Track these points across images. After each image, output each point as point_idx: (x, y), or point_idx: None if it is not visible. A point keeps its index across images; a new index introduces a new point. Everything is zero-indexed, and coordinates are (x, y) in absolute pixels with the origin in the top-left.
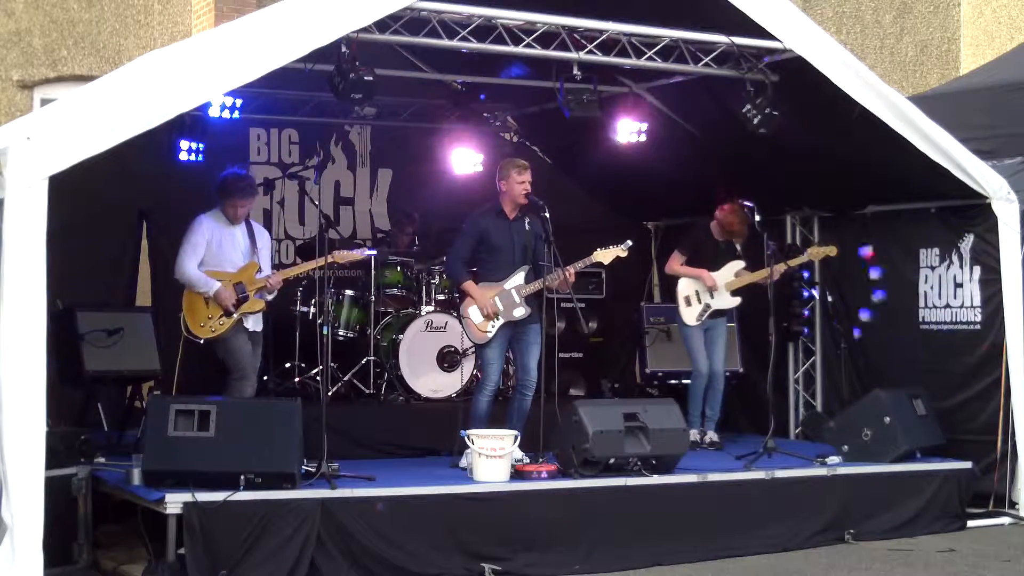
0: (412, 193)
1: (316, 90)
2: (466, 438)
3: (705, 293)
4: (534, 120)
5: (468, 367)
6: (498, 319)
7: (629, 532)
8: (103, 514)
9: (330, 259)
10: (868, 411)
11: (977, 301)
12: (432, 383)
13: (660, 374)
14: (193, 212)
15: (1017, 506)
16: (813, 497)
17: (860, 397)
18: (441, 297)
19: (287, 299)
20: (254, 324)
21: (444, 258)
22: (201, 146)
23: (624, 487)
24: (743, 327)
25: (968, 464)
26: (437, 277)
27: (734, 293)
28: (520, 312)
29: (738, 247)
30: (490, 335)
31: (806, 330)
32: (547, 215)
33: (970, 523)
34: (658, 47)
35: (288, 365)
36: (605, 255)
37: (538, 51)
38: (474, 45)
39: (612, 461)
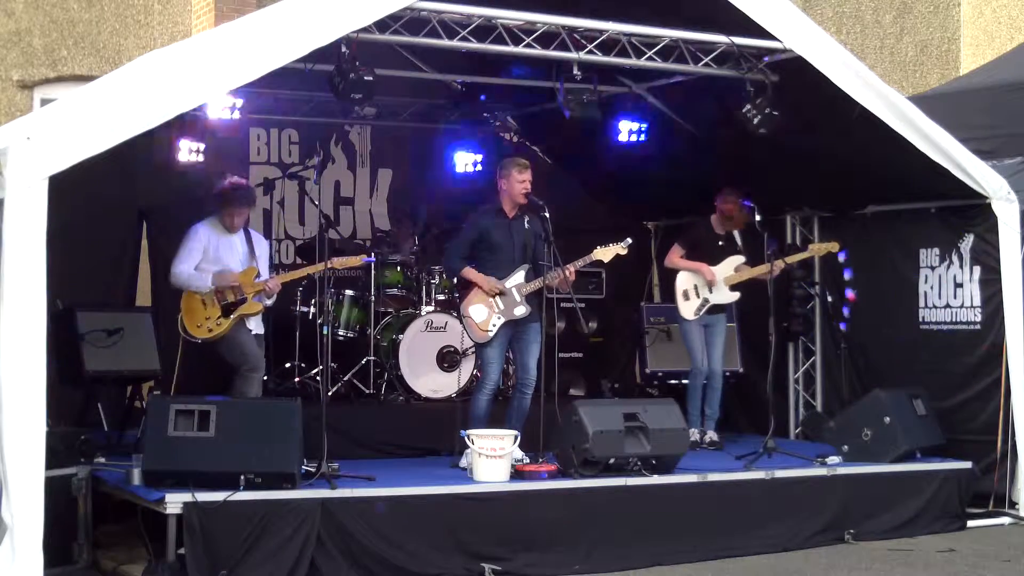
0: (412, 193)
1: (316, 90)
2: (466, 438)
3: (704, 287)
4: (534, 120)
5: (468, 367)
6: (499, 318)
7: (629, 532)
8: (103, 514)
9: (328, 265)
10: (868, 411)
11: (977, 301)
12: (432, 383)
13: (660, 374)
14: (193, 212)
15: (1017, 506)
16: (813, 497)
17: (860, 397)
18: (441, 297)
19: (287, 299)
20: (256, 326)
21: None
22: (201, 146)
23: (624, 487)
24: (743, 327)
25: (968, 464)
26: (437, 277)
27: (733, 288)
28: (521, 311)
29: (739, 242)
30: (491, 334)
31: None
32: (547, 215)
33: (970, 523)
34: (658, 47)
35: (288, 365)
36: (605, 253)
37: (538, 51)
38: (474, 45)
39: (612, 461)
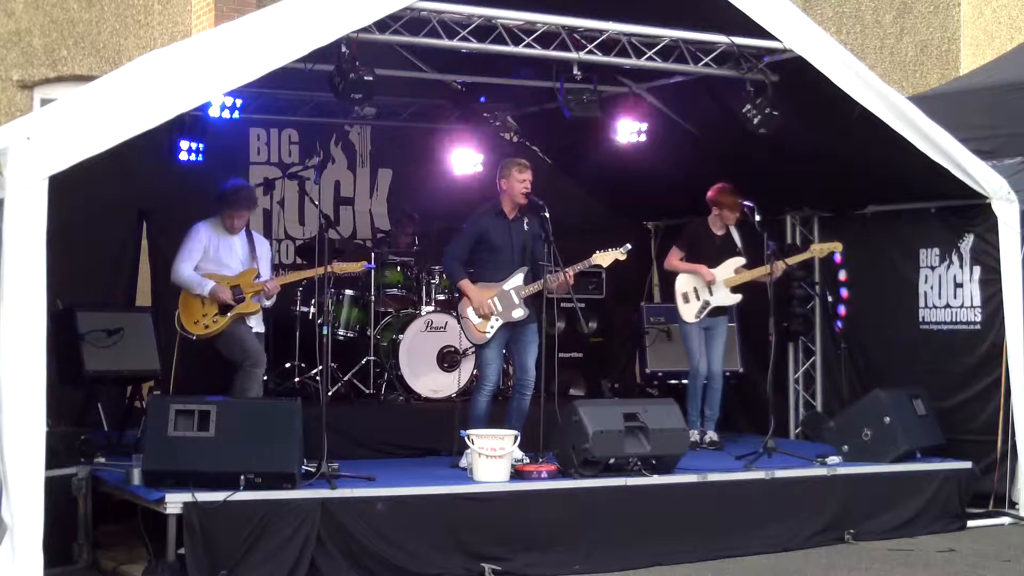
0: (412, 193)
1: (316, 90)
2: (466, 438)
3: (704, 289)
4: (534, 120)
5: (468, 367)
6: (496, 320)
7: (629, 532)
8: (103, 514)
9: (328, 269)
10: (868, 411)
11: (977, 301)
12: (432, 383)
13: (660, 374)
14: (193, 212)
15: (1017, 506)
16: (813, 497)
17: (860, 397)
18: (441, 297)
19: (287, 299)
20: (257, 324)
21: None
22: (201, 146)
23: (624, 487)
24: (743, 327)
25: (968, 464)
26: (437, 277)
27: (734, 290)
28: (519, 313)
29: (738, 243)
30: (488, 335)
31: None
32: (547, 215)
33: (970, 523)
34: (658, 47)
35: (288, 365)
36: (604, 258)
37: (538, 51)
38: (474, 45)
39: (612, 461)
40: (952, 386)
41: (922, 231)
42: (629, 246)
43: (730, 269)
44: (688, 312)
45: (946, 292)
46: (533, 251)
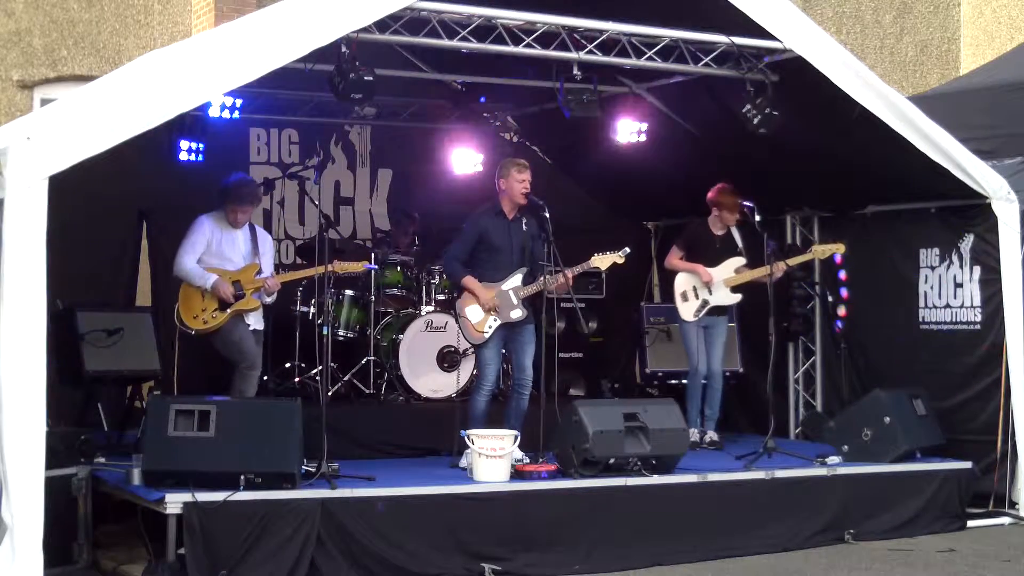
0: (412, 193)
1: (316, 90)
2: (466, 438)
3: (703, 289)
4: (534, 120)
5: (468, 367)
6: (495, 320)
7: (629, 532)
8: (103, 514)
9: (329, 268)
10: (868, 411)
11: (977, 301)
12: (432, 383)
13: (660, 374)
14: (193, 212)
15: (1017, 506)
16: (813, 497)
17: (860, 397)
18: (441, 297)
19: (287, 299)
20: (255, 322)
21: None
22: (201, 146)
23: (624, 487)
24: (743, 327)
25: (968, 464)
26: (437, 277)
27: (734, 290)
28: (517, 314)
29: (739, 243)
30: (487, 335)
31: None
32: (547, 215)
33: (970, 523)
34: (658, 47)
35: (288, 365)
36: (602, 261)
37: (538, 51)
38: (474, 45)
39: (612, 461)
40: (952, 386)
41: (922, 231)
42: (627, 250)
43: (730, 269)
44: (686, 311)
45: (946, 292)
46: (532, 251)
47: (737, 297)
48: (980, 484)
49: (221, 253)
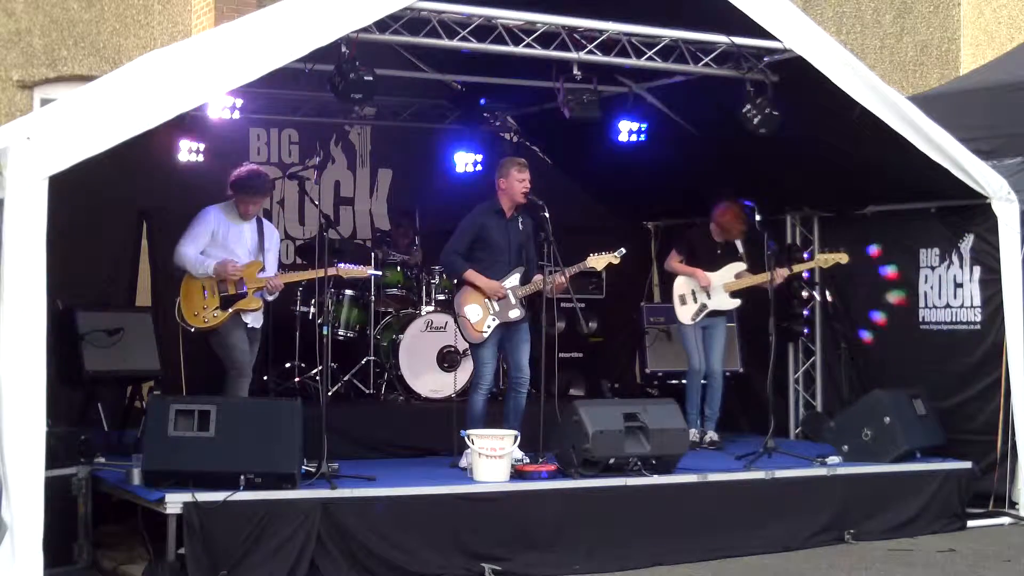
0: (412, 193)
1: (316, 90)
2: (466, 438)
3: (701, 293)
4: (534, 120)
5: (468, 367)
6: (493, 319)
7: (629, 532)
8: (103, 514)
9: (333, 271)
10: (868, 411)
11: (977, 301)
12: (432, 383)
13: (660, 374)
14: (193, 212)
15: (1017, 506)
16: (813, 497)
17: (860, 397)
18: (441, 297)
19: (287, 299)
20: (254, 321)
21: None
22: (201, 146)
23: (624, 487)
24: (743, 327)
25: (968, 464)
26: (437, 277)
27: (733, 295)
28: (516, 314)
29: (740, 248)
30: (486, 335)
31: (807, 329)
32: (547, 215)
33: (970, 523)
34: (658, 47)
35: (288, 365)
36: (598, 261)
37: (538, 51)
38: (474, 45)
39: (612, 461)
40: (952, 386)
41: (922, 231)
42: (623, 250)
43: (730, 274)
44: (684, 314)
45: (946, 292)
46: (528, 251)
47: (736, 302)
48: (980, 484)
49: (227, 245)
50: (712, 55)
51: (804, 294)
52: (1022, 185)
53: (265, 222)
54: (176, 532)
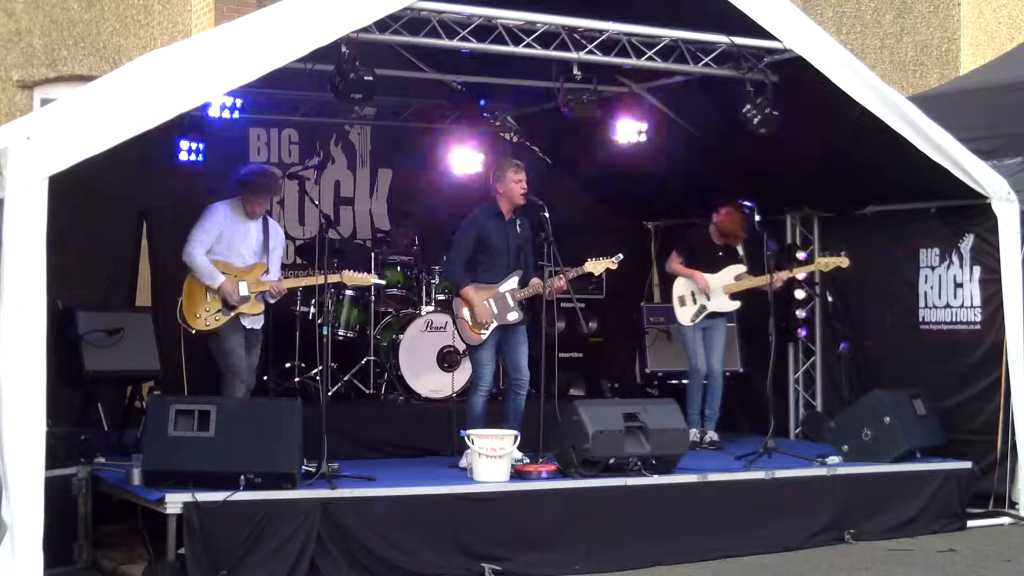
0: (412, 193)
1: (316, 90)
2: (466, 438)
3: (700, 294)
4: (534, 120)
5: (468, 367)
6: (492, 322)
7: (629, 532)
8: (103, 514)
9: (336, 278)
10: (868, 411)
11: (977, 301)
12: (432, 383)
13: (660, 374)
14: (193, 212)
15: (1017, 506)
16: (813, 497)
17: (860, 397)
18: (441, 297)
19: (287, 299)
20: (252, 322)
21: (444, 258)
22: (201, 146)
23: (624, 487)
24: (742, 327)
25: (968, 464)
26: (437, 277)
27: (733, 297)
28: (514, 316)
29: (740, 251)
30: (484, 337)
31: (805, 330)
32: (547, 215)
33: (970, 523)
34: (658, 47)
35: (288, 365)
36: (596, 266)
37: (538, 51)
38: (474, 45)
39: (612, 461)
40: (952, 386)
41: (922, 231)
42: (620, 256)
43: (730, 276)
44: (684, 315)
45: (946, 292)
46: (526, 253)
47: (735, 304)
48: (980, 484)
49: (232, 245)
50: (712, 55)
51: (803, 295)
52: (1022, 185)
53: (271, 221)
54: (176, 532)
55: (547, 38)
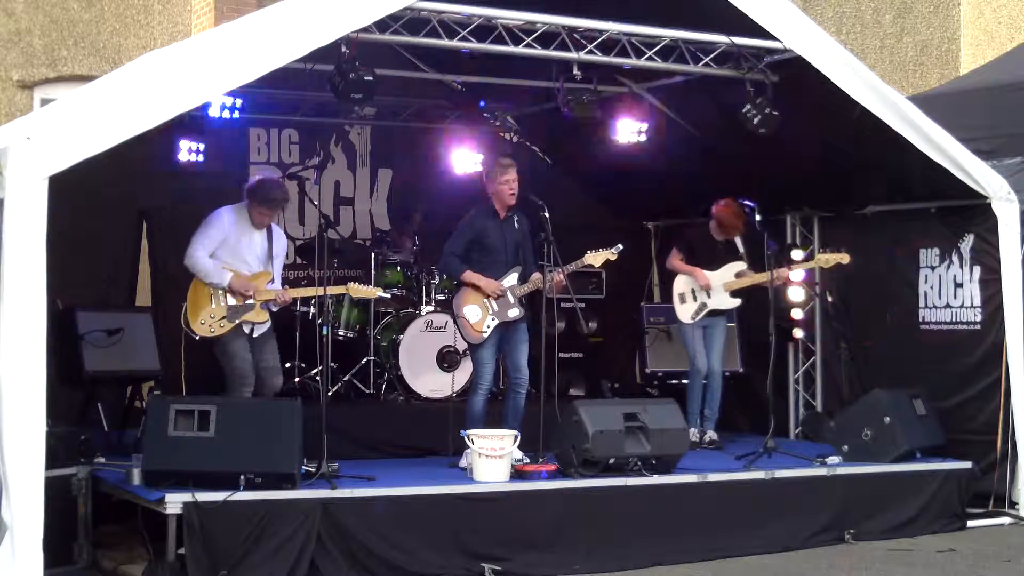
0: (412, 193)
1: (316, 90)
2: (466, 438)
3: (701, 292)
4: (534, 120)
5: (468, 367)
6: (493, 319)
7: (629, 532)
8: (103, 514)
9: (342, 289)
10: (868, 411)
11: (977, 301)
12: (432, 383)
13: (660, 374)
14: (193, 212)
15: (1017, 506)
16: (813, 497)
17: (860, 397)
18: (441, 297)
19: None
20: (257, 329)
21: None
22: (201, 146)
23: (624, 487)
24: (742, 327)
25: (968, 464)
26: (437, 277)
27: (733, 294)
28: (515, 313)
29: (740, 248)
30: (485, 335)
31: (803, 332)
32: (547, 215)
33: (970, 523)
34: (658, 47)
35: (288, 365)
36: (596, 258)
37: (538, 51)
38: (474, 45)
39: (612, 461)
40: (952, 386)
41: (922, 231)
42: (620, 246)
43: (730, 273)
44: (684, 313)
45: (946, 292)
46: (525, 250)
47: (736, 301)
48: (980, 484)
49: (237, 252)
50: (712, 55)
51: (802, 296)
52: (1022, 185)
53: (274, 227)
54: (176, 532)
55: (547, 38)
